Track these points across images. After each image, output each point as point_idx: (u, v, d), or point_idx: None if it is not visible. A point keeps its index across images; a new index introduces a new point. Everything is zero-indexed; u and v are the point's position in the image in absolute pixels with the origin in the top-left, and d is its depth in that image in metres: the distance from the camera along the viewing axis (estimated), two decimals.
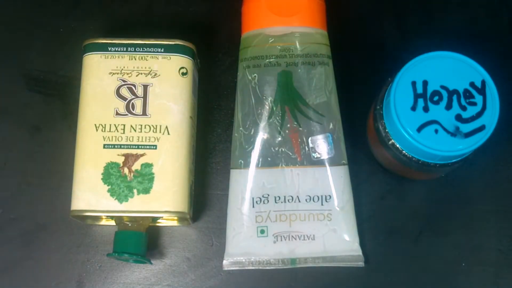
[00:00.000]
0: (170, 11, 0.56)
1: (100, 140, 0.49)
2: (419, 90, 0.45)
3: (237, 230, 0.50)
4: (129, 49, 0.50)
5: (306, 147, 0.51)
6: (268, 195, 0.50)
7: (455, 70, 0.45)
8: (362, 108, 0.53)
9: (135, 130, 0.49)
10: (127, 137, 0.49)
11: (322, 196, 0.50)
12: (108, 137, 0.49)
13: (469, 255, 0.52)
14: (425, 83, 0.45)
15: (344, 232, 0.50)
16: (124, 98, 0.50)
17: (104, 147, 0.49)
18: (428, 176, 0.52)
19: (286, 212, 0.50)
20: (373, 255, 0.52)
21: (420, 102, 0.45)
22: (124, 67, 0.50)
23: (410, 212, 0.53)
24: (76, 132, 0.50)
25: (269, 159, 0.51)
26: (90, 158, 0.49)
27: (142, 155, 0.49)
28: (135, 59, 0.50)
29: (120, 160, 0.49)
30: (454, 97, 0.45)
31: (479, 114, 0.45)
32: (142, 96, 0.50)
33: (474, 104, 0.45)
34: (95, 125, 0.49)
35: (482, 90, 0.45)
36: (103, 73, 0.50)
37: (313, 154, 0.51)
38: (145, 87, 0.50)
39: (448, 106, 0.45)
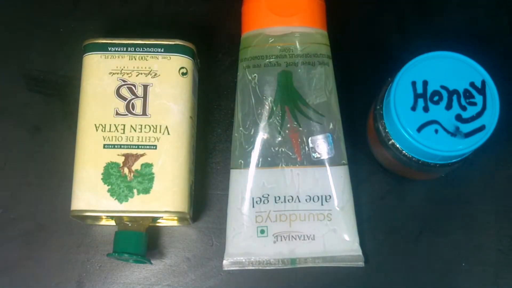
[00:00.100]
0: (170, 11, 0.56)
1: (100, 140, 0.49)
2: (419, 90, 0.45)
3: (237, 230, 0.50)
4: (129, 49, 0.50)
5: (306, 147, 0.51)
6: (268, 195, 0.50)
7: (455, 70, 0.45)
8: (362, 108, 0.53)
9: (135, 130, 0.49)
10: (127, 137, 0.49)
11: (322, 196, 0.50)
12: (108, 137, 0.49)
13: (469, 255, 0.52)
14: (425, 83, 0.45)
15: (344, 232, 0.50)
16: (124, 98, 0.50)
17: (104, 147, 0.49)
18: (428, 176, 0.52)
19: (286, 212, 0.50)
20: (373, 255, 0.52)
21: (420, 102, 0.45)
22: (124, 67, 0.50)
23: (410, 212, 0.53)
24: (76, 132, 0.50)
25: (269, 159, 0.51)
26: (90, 158, 0.49)
27: (142, 155, 0.49)
28: (135, 59, 0.50)
29: (120, 160, 0.49)
30: (454, 97, 0.45)
31: (479, 114, 0.45)
32: (142, 96, 0.50)
33: (474, 104, 0.45)
34: (95, 125, 0.49)
35: (482, 90, 0.45)
36: (103, 73, 0.50)
37: (313, 154, 0.51)
38: (145, 87, 0.50)
39: (448, 106, 0.45)
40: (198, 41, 0.52)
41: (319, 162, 0.50)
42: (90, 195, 0.48)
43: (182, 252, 0.52)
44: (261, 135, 0.51)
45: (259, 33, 0.51)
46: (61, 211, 0.51)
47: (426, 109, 0.45)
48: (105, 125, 0.49)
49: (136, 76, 0.50)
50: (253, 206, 0.50)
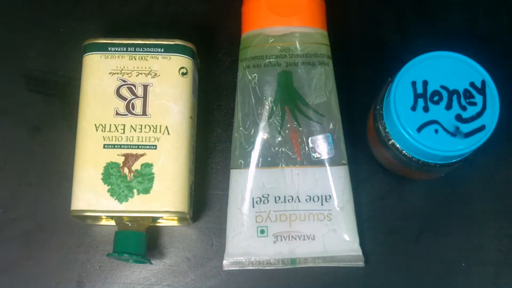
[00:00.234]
0: (170, 11, 0.56)
1: (100, 140, 0.49)
2: (419, 90, 0.45)
3: (237, 230, 0.50)
4: (129, 49, 0.50)
5: (306, 147, 0.51)
6: (268, 195, 0.50)
7: (455, 70, 0.45)
8: (362, 108, 0.53)
9: (135, 130, 0.49)
10: (127, 137, 0.49)
11: (322, 196, 0.50)
12: (108, 137, 0.49)
13: (469, 255, 0.52)
14: (425, 83, 0.45)
15: (344, 232, 0.50)
16: (124, 98, 0.50)
17: (104, 147, 0.49)
18: (428, 176, 0.52)
19: (286, 212, 0.50)
20: (373, 255, 0.52)
21: (420, 102, 0.45)
22: (124, 67, 0.50)
23: (410, 212, 0.53)
24: (76, 132, 0.50)
25: (269, 159, 0.51)
26: (90, 158, 0.49)
27: (142, 155, 0.49)
28: (135, 59, 0.50)
29: (120, 160, 0.49)
30: (454, 97, 0.45)
31: (479, 114, 0.45)
32: (142, 96, 0.50)
33: (474, 104, 0.45)
34: (95, 125, 0.49)
35: (482, 90, 0.45)
36: (103, 73, 0.50)
37: (313, 154, 0.51)
38: (145, 87, 0.50)
39: (448, 106, 0.45)
40: (198, 41, 0.52)
41: (319, 162, 0.50)
42: (90, 195, 0.48)
43: (182, 252, 0.52)
44: (261, 135, 0.51)
45: (259, 33, 0.51)
46: (61, 211, 0.51)
47: (426, 109, 0.45)
48: (105, 125, 0.49)
49: (136, 76, 0.50)
50: (253, 206, 0.50)
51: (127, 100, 0.50)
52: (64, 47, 0.55)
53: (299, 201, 0.50)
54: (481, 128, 0.45)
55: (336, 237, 0.50)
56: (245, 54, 0.52)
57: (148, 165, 0.49)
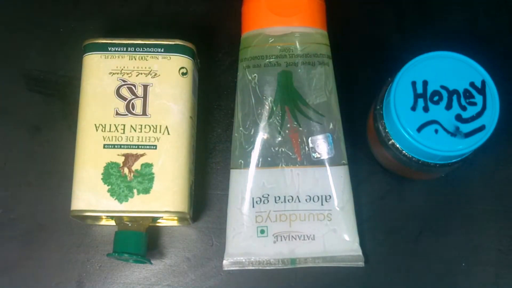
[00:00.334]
0: (170, 11, 0.56)
1: (100, 140, 0.49)
2: (419, 90, 0.45)
3: (237, 230, 0.50)
4: (129, 49, 0.50)
5: (306, 147, 0.51)
6: (268, 195, 0.50)
7: (455, 70, 0.45)
8: (362, 108, 0.53)
9: (135, 130, 0.49)
10: (127, 137, 0.49)
11: (322, 196, 0.50)
12: (108, 137, 0.49)
13: (469, 255, 0.52)
14: (425, 83, 0.45)
15: (344, 232, 0.50)
16: (124, 98, 0.50)
17: (104, 147, 0.49)
18: (428, 176, 0.52)
19: (286, 212, 0.50)
20: (373, 255, 0.52)
21: (420, 102, 0.45)
22: (124, 67, 0.50)
23: (410, 212, 0.53)
24: (76, 132, 0.50)
25: (269, 159, 0.51)
26: (90, 158, 0.49)
27: (142, 155, 0.49)
28: (135, 59, 0.50)
29: (120, 160, 0.49)
30: (454, 97, 0.45)
31: (479, 114, 0.45)
32: (142, 96, 0.50)
33: (474, 104, 0.45)
34: (95, 125, 0.49)
35: (482, 90, 0.45)
36: (103, 73, 0.50)
37: (313, 154, 0.51)
38: (145, 87, 0.50)
39: (448, 106, 0.45)
40: (198, 41, 0.52)
41: (319, 162, 0.50)
42: (90, 195, 0.48)
43: (182, 252, 0.52)
44: (261, 135, 0.51)
45: (259, 33, 0.51)
46: (61, 211, 0.51)
47: (426, 109, 0.45)
48: (105, 125, 0.49)
49: (136, 76, 0.50)
50: (253, 206, 0.50)
51: (127, 100, 0.50)
52: (64, 47, 0.55)
53: (299, 201, 0.50)
54: (481, 128, 0.44)
55: (336, 237, 0.50)
56: (245, 54, 0.52)
57: (148, 165, 0.49)
